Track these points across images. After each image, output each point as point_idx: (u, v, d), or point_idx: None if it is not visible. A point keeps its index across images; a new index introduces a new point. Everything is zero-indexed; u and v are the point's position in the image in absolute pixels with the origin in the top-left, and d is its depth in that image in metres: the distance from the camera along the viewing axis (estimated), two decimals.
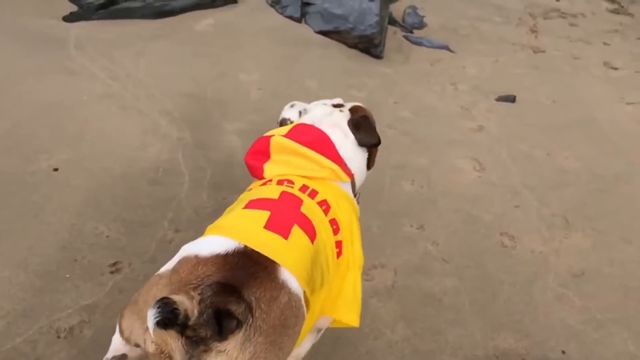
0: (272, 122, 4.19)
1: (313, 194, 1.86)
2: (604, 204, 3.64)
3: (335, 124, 2.19)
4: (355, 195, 2.17)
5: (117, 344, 1.58)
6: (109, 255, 2.69)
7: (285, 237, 1.59)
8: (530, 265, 3.10)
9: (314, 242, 1.68)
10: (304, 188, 1.87)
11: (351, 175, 2.08)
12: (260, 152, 2.07)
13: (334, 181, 2.00)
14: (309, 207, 1.77)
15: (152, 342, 1.34)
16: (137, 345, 1.50)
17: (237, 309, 1.32)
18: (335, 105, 2.36)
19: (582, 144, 4.31)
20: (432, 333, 2.62)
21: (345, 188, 2.04)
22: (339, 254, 1.84)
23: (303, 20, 5.92)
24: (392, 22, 6.28)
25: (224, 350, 1.29)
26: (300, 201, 1.78)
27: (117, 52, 4.63)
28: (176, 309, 1.22)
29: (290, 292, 1.48)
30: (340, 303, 1.86)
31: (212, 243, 1.49)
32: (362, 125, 2.22)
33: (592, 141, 4.36)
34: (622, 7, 7.57)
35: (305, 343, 1.91)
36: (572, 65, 5.73)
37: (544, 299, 2.90)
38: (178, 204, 3.19)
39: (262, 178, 2.02)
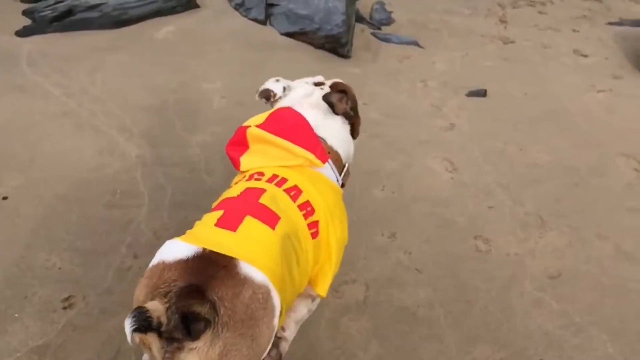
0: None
1: (281, 182, 1.92)
2: (579, 199, 3.56)
3: (314, 105, 2.27)
4: (343, 169, 2.27)
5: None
6: (62, 288, 2.55)
7: (234, 229, 1.66)
8: (506, 269, 3.00)
9: (275, 228, 1.73)
10: (272, 178, 1.93)
11: (326, 159, 2.11)
12: (239, 142, 2.15)
13: (310, 167, 2.06)
14: (272, 196, 1.83)
15: (139, 339, 1.40)
16: None
17: (202, 310, 1.40)
18: (317, 84, 2.43)
19: (555, 136, 4.22)
20: (406, 351, 2.51)
21: (324, 171, 2.10)
22: (315, 235, 1.91)
23: (268, 22, 5.78)
24: (359, 19, 6.16)
25: (195, 348, 1.39)
26: (260, 193, 1.83)
27: (72, 67, 4.46)
28: (149, 316, 1.34)
29: (254, 285, 1.54)
30: (319, 275, 2.00)
31: (177, 249, 1.58)
32: (335, 99, 2.30)
33: (564, 133, 4.27)
34: None
35: (300, 308, 2.07)
36: (542, 54, 5.65)
37: (521, 304, 2.80)
38: (137, 227, 3.05)
39: (239, 170, 2.12)
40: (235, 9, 5.99)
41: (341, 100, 2.33)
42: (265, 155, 2.06)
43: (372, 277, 2.89)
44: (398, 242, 3.13)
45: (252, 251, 1.61)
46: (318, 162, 2.07)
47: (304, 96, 2.32)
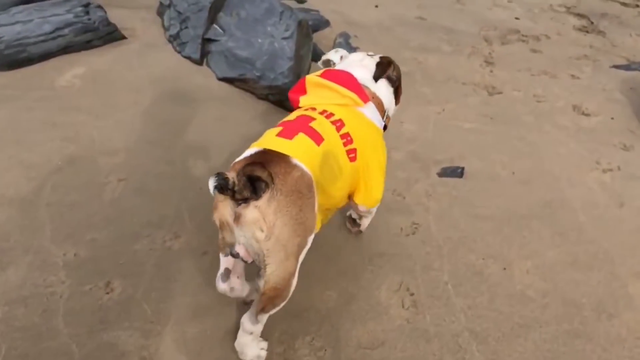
0: (127, 241, 3.03)
1: (329, 115, 2.40)
2: None
3: (363, 65, 2.73)
4: (384, 114, 2.75)
5: (221, 260, 2.25)
6: None
7: (290, 139, 2.16)
8: None
9: (320, 145, 2.21)
10: (322, 112, 2.41)
11: (367, 100, 2.56)
12: (299, 89, 2.63)
13: (356, 107, 2.51)
14: (320, 123, 2.31)
15: (215, 218, 2.06)
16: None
17: (262, 174, 1.91)
18: (368, 55, 2.85)
19: (550, 246, 3.23)
20: None
21: (367, 112, 2.55)
22: (353, 159, 2.39)
23: (204, 61, 4.74)
24: (318, 57, 5.13)
25: (257, 206, 1.92)
26: (311, 119, 2.32)
27: None
28: (226, 177, 1.85)
29: (302, 171, 2.08)
30: (362, 193, 2.57)
31: (245, 153, 2.15)
32: (382, 65, 2.76)
33: (562, 240, 3.29)
34: (592, 23, 6.50)
35: (364, 221, 3.01)
36: (535, 111, 4.65)
37: None
38: None
39: (298, 107, 2.60)
40: (170, 41, 4.95)
41: (387, 67, 2.77)
42: (319, 96, 2.55)
43: None
44: None
45: (301, 154, 2.11)
46: (360, 101, 2.53)
47: (355, 61, 2.79)
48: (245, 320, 2.25)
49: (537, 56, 5.61)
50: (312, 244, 2.23)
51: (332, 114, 2.40)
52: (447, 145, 4.07)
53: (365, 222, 3.04)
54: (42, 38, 4.46)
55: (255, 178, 1.89)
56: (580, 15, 6.79)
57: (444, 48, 5.55)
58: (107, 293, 2.65)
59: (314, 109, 2.45)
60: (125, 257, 2.84)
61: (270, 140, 2.18)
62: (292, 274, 2.11)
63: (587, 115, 4.64)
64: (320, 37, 5.45)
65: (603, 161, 4.04)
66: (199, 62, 4.71)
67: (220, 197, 1.93)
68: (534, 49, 5.74)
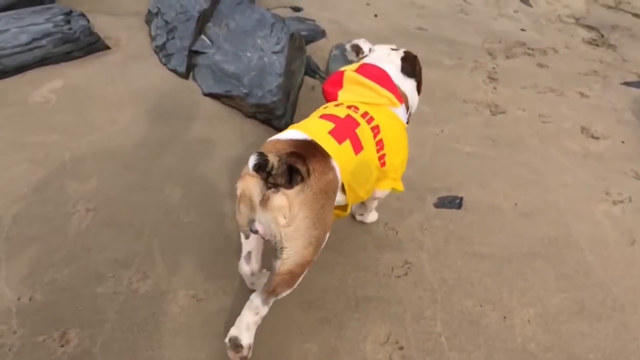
0: (89, 283, 2.76)
1: (370, 120, 2.52)
2: None
3: (391, 61, 2.87)
4: (408, 114, 2.88)
5: (243, 243, 2.39)
6: None
7: (340, 143, 2.28)
8: None
9: (358, 154, 2.36)
10: (364, 114, 2.53)
11: (402, 101, 2.74)
12: (336, 82, 2.75)
13: (390, 107, 2.67)
14: (363, 130, 2.44)
15: (239, 187, 2.11)
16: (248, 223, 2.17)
17: (302, 167, 2.02)
18: (392, 49, 2.99)
19: (554, 291, 2.96)
20: None
21: (398, 112, 2.71)
22: (383, 164, 2.56)
23: (190, 75, 4.47)
24: (311, 71, 4.86)
25: (287, 194, 2.01)
26: (357, 124, 2.44)
27: None
28: (267, 159, 1.90)
29: (335, 174, 2.22)
30: (383, 183, 2.72)
31: (290, 134, 2.25)
32: (408, 60, 2.92)
33: (567, 284, 3.02)
34: (602, 35, 6.20)
35: (378, 192, 2.83)
36: (540, 134, 4.37)
37: None
38: None
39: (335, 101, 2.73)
40: (155, 52, 4.69)
41: (412, 63, 2.91)
42: (357, 93, 2.67)
43: None
44: None
45: (341, 160, 2.25)
46: (397, 102, 2.71)
47: (383, 55, 2.90)
48: (255, 297, 2.23)
49: (543, 71, 5.32)
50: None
51: (372, 119, 2.52)
52: (445, 171, 3.79)
53: (370, 216, 3.23)
54: (17, 49, 4.20)
55: (294, 169, 1.98)
56: (589, 27, 6.49)
57: (445, 62, 5.26)
58: (62, 346, 2.40)
59: (357, 108, 2.55)
60: (86, 302, 2.58)
61: (322, 135, 2.26)
62: (309, 262, 2.18)
63: (596, 138, 4.36)
64: (315, 49, 5.18)
65: (613, 191, 3.76)
66: (185, 76, 4.45)
67: (252, 172, 1.95)
68: (541, 64, 5.44)
